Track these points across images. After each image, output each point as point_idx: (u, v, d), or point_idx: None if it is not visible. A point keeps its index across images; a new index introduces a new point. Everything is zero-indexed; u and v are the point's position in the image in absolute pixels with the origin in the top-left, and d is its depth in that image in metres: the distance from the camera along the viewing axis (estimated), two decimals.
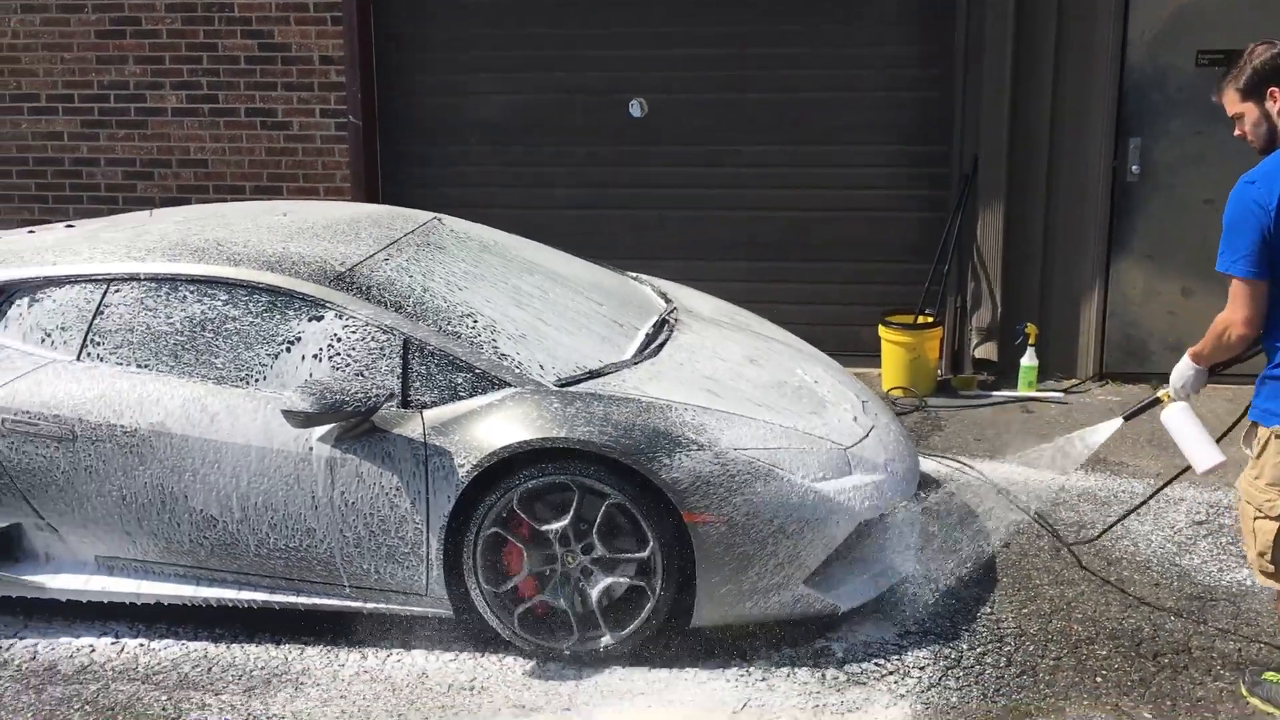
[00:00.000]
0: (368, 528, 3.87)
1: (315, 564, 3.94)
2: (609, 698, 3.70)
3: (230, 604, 4.03)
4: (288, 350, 4.00)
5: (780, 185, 7.13)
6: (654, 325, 4.68)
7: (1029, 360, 6.58)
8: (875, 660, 3.86)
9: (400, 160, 7.46)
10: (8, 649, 4.05)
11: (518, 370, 3.96)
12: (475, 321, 4.12)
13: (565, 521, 3.80)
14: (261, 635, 4.10)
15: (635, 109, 7.21)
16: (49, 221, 7.52)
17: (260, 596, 4.01)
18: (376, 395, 3.78)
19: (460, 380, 3.93)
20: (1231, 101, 3.39)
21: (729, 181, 7.19)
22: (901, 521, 4.30)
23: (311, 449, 3.87)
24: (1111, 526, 4.62)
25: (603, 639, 3.87)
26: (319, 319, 4.02)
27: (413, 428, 3.85)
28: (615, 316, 4.65)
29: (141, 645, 4.06)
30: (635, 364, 4.22)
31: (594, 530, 3.80)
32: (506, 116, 7.34)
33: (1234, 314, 3.33)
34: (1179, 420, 3.73)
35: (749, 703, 3.65)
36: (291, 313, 4.04)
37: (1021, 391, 6.57)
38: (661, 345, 4.43)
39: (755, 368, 4.47)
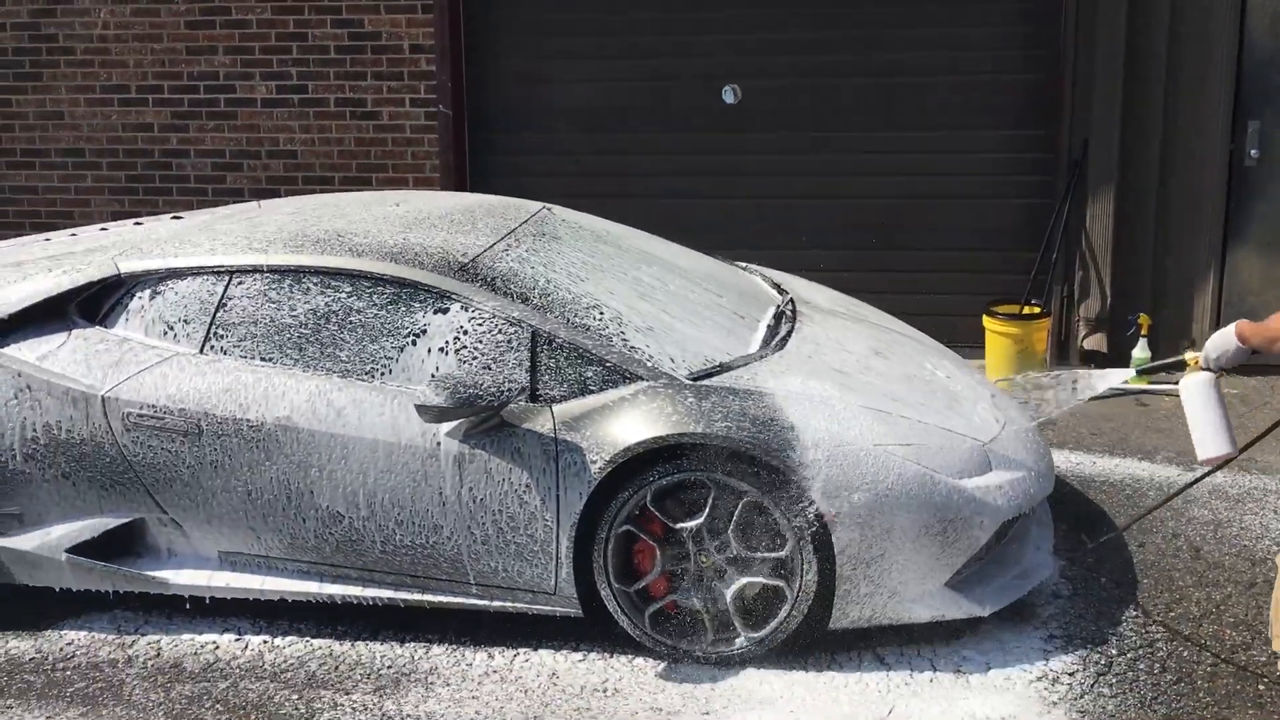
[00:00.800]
0: (496, 525, 3.79)
1: (441, 561, 3.86)
2: (749, 702, 3.59)
3: (354, 601, 3.96)
4: (413, 343, 3.92)
5: (879, 172, 6.97)
6: (774, 317, 4.55)
7: (1141, 351, 6.37)
8: (1021, 666, 3.72)
9: (487, 149, 7.38)
10: (130, 646, 4.01)
11: (649, 363, 3.85)
12: (602, 313, 4.01)
13: (700, 519, 3.69)
14: (384, 633, 4.03)
15: (729, 95, 7.08)
16: (139, 213, 7.54)
17: (385, 594, 3.94)
18: (509, 389, 3.69)
19: (590, 374, 3.83)
20: None
21: (826, 169, 7.04)
22: (1039, 520, 4.15)
23: (439, 445, 3.78)
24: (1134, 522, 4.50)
25: (737, 640, 3.76)
26: (444, 311, 3.94)
27: (542, 422, 3.76)
28: (735, 308, 4.53)
29: (265, 642, 4.00)
30: (762, 357, 4.09)
31: (730, 528, 3.69)
32: (597, 103, 7.24)
33: None
34: (1200, 393, 3.29)
35: (894, 709, 3.53)
36: (416, 305, 3.96)
37: (1133, 384, 6.37)
38: (786, 337, 4.30)
39: (882, 360, 4.33)
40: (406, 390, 3.85)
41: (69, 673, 3.86)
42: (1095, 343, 6.56)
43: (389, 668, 3.83)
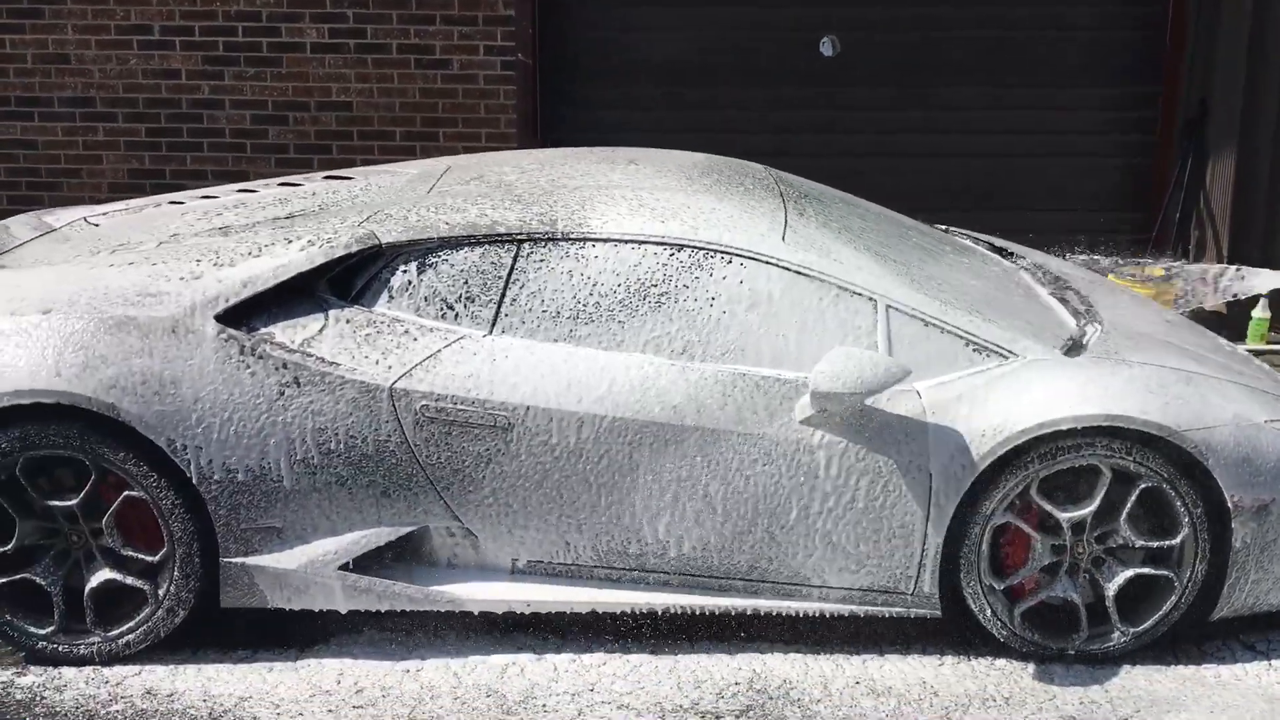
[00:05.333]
0: (854, 522, 3.41)
1: (783, 565, 3.46)
2: (1158, 703, 3.32)
3: (676, 610, 3.52)
4: (750, 318, 3.47)
5: (981, 130, 6.77)
6: (1043, 286, 4.25)
7: (1261, 312, 6.35)
8: None
9: (560, 102, 6.85)
10: (419, 673, 3.47)
11: (1019, 339, 3.51)
12: (938, 284, 3.66)
13: (1091, 507, 3.39)
14: (700, 643, 3.61)
15: (827, 47, 6.74)
16: (163, 172, 6.77)
17: (711, 601, 3.50)
18: (891, 370, 3.29)
19: (952, 350, 3.47)
20: None
21: (926, 125, 6.79)
22: None
23: (791, 434, 3.37)
24: None
25: (1113, 635, 3.49)
26: (776, 283, 3.50)
27: (909, 406, 3.39)
28: (1010, 277, 4.22)
29: (573, 660, 3.52)
30: (1086, 329, 3.80)
31: (1122, 516, 3.40)
32: (683, 56, 6.79)
33: None
34: None
35: None
36: (742, 276, 3.50)
37: (1252, 345, 6.34)
38: (1090, 309, 4.01)
39: (1179, 330, 4.10)
40: (752, 374, 3.42)
41: (396, 706, 3.30)
42: (1214, 303, 6.51)
43: (735, 683, 3.41)
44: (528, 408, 3.37)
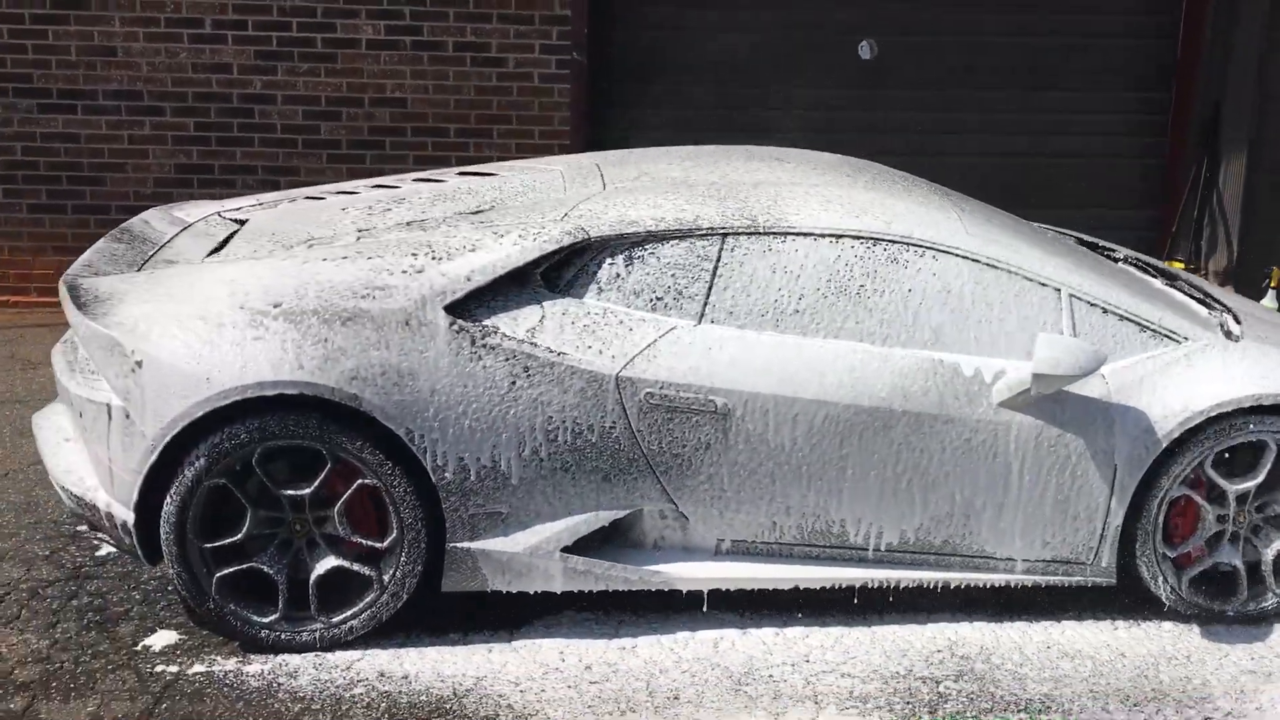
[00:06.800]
0: (1043, 497, 3.66)
1: (974, 540, 3.70)
2: None
3: (871, 585, 3.73)
4: (944, 308, 3.69)
5: (1010, 131, 7.11)
6: (1153, 278, 4.57)
7: (1269, 302, 6.83)
8: None
9: (606, 101, 6.99)
10: (633, 649, 3.62)
11: (1186, 324, 3.81)
12: (1099, 274, 3.93)
13: (1259, 479, 3.71)
14: (890, 614, 3.83)
15: (865, 51, 7.01)
16: (211, 167, 6.72)
17: (905, 575, 3.72)
18: (1098, 355, 3.54)
19: (1129, 336, 3.74)
20: None
21: (959, 127, 7.11)
22: None
23: (990, 417, 3.61)
24: None
25: (1268, 597, 3.81)
26: (967, 274, 3.73)
27: (1094, 388, 3.65)
28: (1121, 268, 4.53)
29: (777, 634, 3.71)
30: (1224, 317, 4.10)
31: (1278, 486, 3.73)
32: (729, 56, 7.00)
33: None
34: None
35: None
36: (935, 269, 3.71)
37: None
38: (1213, 298, 4.33)
39: (1269, 311, 4.46)
40: (950, 360, 3.64)
41: (630, 680, 3.44)
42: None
43: (936, 650, 3.64)
44: (745, 397, 3.54)
